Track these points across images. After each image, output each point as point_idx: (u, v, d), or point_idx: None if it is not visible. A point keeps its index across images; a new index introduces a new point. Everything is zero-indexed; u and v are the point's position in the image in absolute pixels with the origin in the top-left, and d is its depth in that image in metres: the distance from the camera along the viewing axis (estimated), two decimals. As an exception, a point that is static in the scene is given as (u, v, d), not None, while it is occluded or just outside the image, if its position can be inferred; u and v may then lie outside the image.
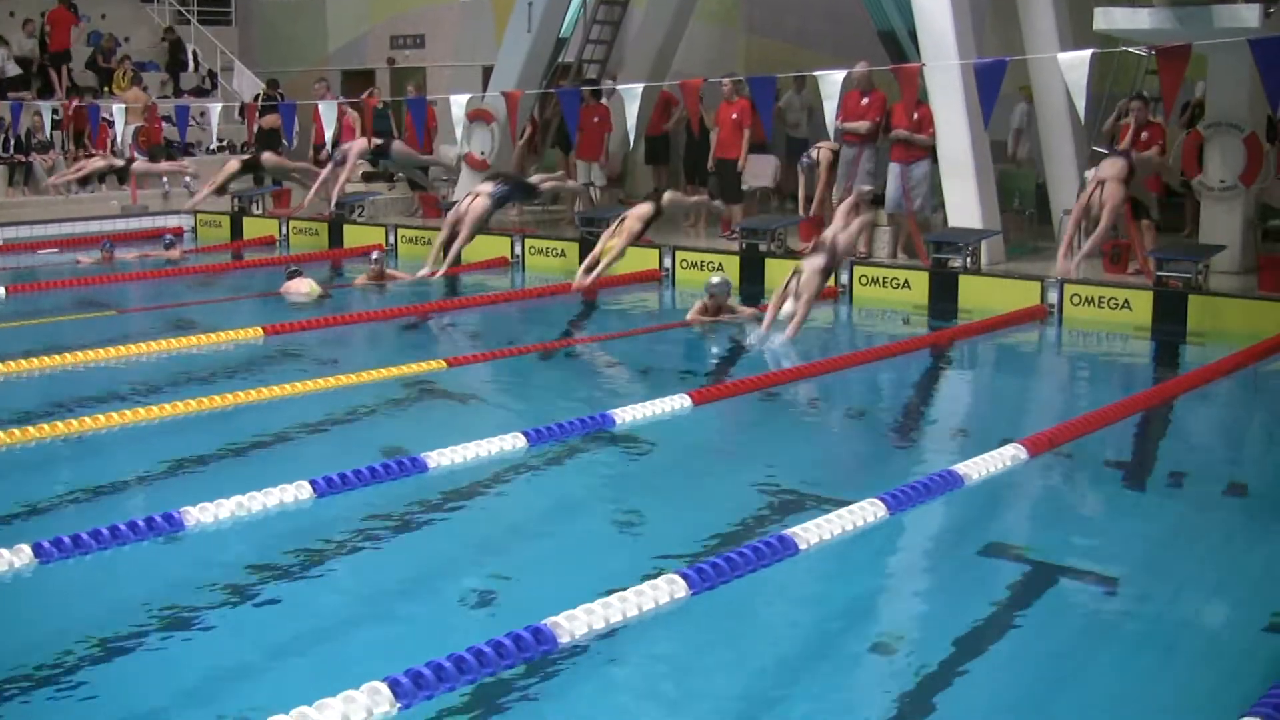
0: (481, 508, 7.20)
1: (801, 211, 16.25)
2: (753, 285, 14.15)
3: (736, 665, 5.30)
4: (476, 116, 18.28)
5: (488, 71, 20.14)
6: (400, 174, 20.33)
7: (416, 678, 4.52)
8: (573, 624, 5.01)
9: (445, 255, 13.96)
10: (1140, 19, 12.83)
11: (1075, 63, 11.67)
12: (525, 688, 4.92)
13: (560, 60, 19.83)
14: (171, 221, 18.82)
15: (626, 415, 8.44)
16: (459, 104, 16.47)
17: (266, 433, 8.44)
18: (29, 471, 7.57)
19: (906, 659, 5.34)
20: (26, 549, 5.76)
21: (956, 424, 9.90)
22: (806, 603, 6.01)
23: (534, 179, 15.56)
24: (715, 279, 12.24)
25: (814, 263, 11.04)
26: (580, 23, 20.01)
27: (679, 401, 8.78)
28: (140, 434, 8.12)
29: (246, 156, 17.55)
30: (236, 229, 19.16)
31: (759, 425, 9.38)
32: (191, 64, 24.85)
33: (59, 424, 7.95)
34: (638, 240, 13.43)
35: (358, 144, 17.43)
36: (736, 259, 14.88)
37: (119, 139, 20.52)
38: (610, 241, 13.10)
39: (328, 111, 17.62)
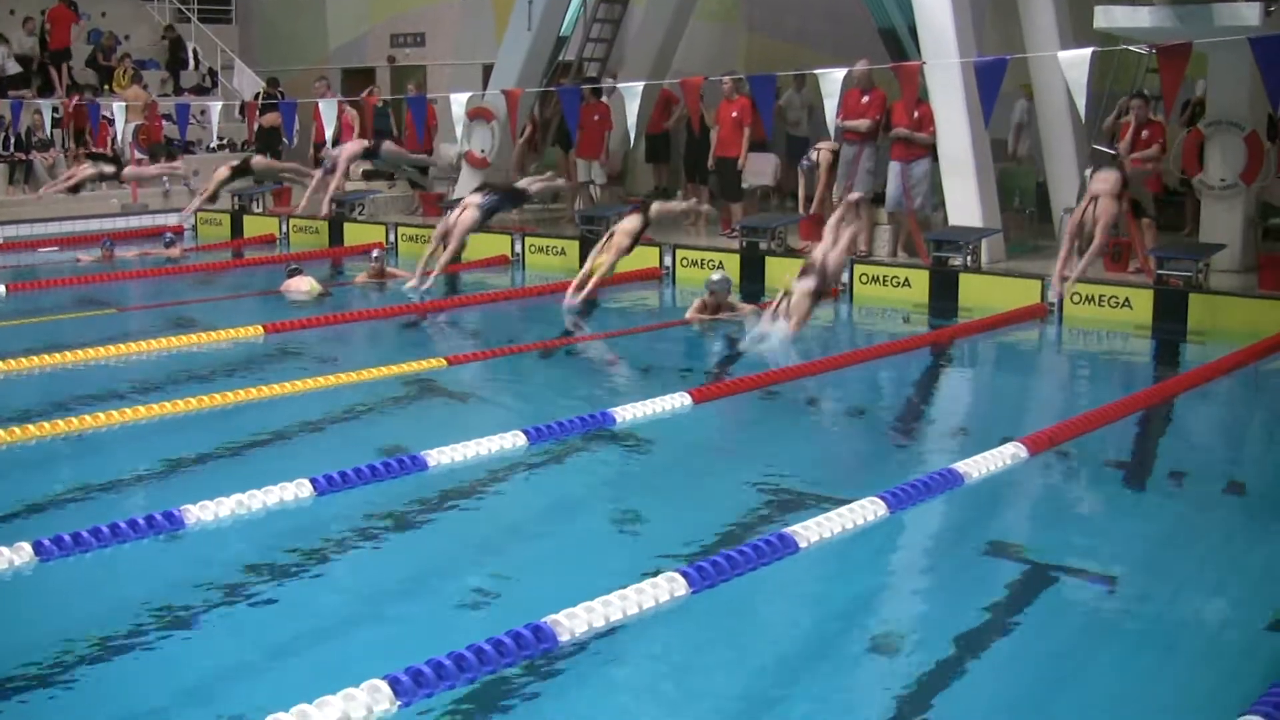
0: (481, 506, 7.20)
1: (802, 210, 16.25)
2: (753, 284, 14.15)
3: (736, 663, 5.30)
4: (477, 115, 18.28)
5: (488, 70, 20.13)
6: (397, 173, 20.29)
7: (417, 675, 4.52)
8: (573, 622, 5.01)
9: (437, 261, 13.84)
10: (1141, 17, 12.81)
11: (1076, 61, 11.67)
12: (525, 686, 4.92)
13: (560, 58, 19.83)
14: (172, 219, 18.81)
15: (626, 413, 8.44)
16: (459, 102, 16.46)
17: (267, 431, 8.45)
18: (29, 469, 7.57)
19: (906, 658, 5.34)
20: (27, 547, 5.76)
21: (957, 422, 9.90)
22: (806, 601, 6.01)
23: (522, 183, 15.43)
24: (715, 276, 12.24)
25: (804, 285, 10.88)
26: (580, 21, 20.01)
27: (679, 400, 8.77)
28: (140, 432, 8.13)
29: (235, 162, 17.36)
30: (237, 227, 19.17)
31: (759, 423, 9.38)
32: (192, 62, 24.83)
33: (59, 422, 7.95)
34: (628, 253, 13.35)
35: (346, 150, 17.20)
36: (737, 257, 14.88)
37: (119, 137, 20.52)
38: (599, 258, 13.02)
39: (328, 110, 17.61)
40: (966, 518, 7.16)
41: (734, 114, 16.41)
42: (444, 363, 10.18)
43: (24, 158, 20.16)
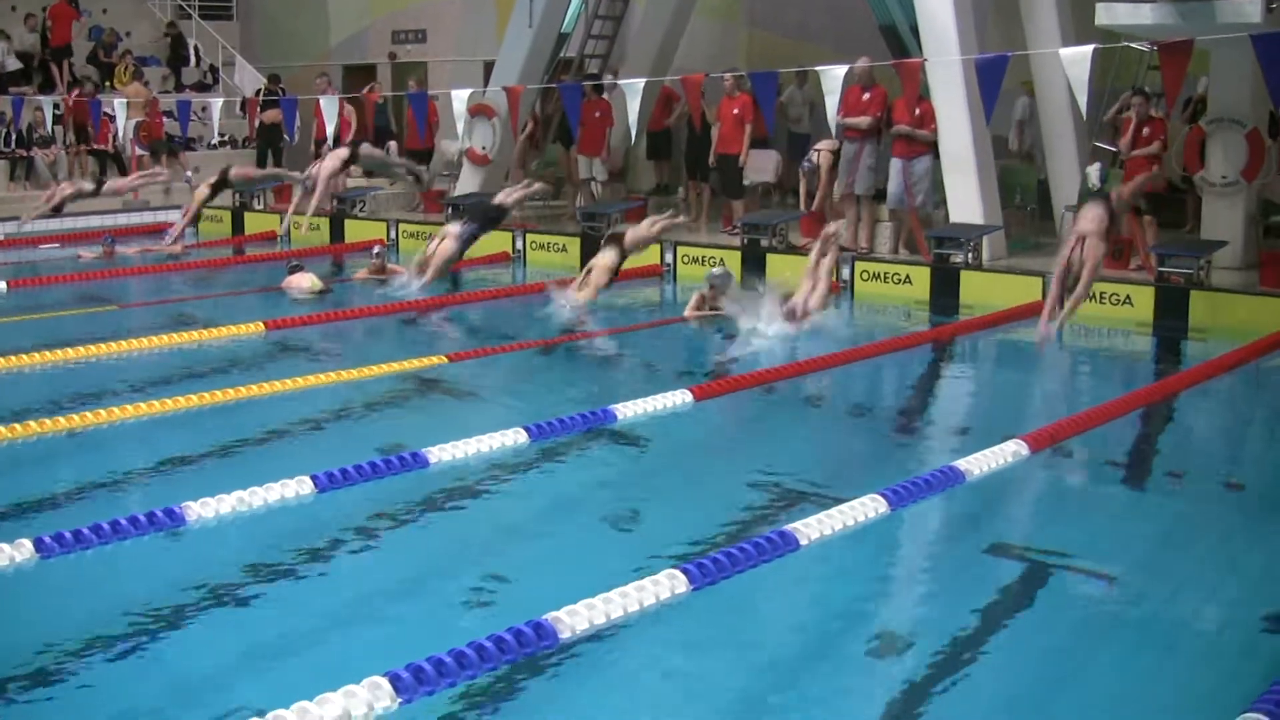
0: (482, 503, 7.19)
1: (803, 207, 16.24)
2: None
3: (737, 660, 5.30)
4: (478, 111, 18.28)
5: (489, 66, 20.12)
6: (378, 174, 20.19)
7: (417, 673, 4.52)
8: (574, 619, 5.01)
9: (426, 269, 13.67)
10: (1142, 14, 12.80)
11: (1077, 58, 11.67)
12: (526, 683, 4.92)
13: (562, 55, 19.82)
14: (173, 216, 18.79)
15: (628, 410, 8.44)
16: (460, 99, 16.46)
17: (268, 428, 8.45)
18: (31, 466, 7.57)
19: (906, 655, 5.34)
20: (28, 543, 5.77)
21: (958, 420, 9.89)
22: (807, 598, 6.01)
23: (500, 198, 15.11)
24: (717, 270, 12.25)
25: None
26: (582, 18, 19.99)
27: (680, 397, 8.77)
28: (141, 429, 8.13)
29: (213, 179, 17.17)
30: (238, 224, 19.17)
31: (760, 420, 9.38)
32: (193, 59, 24.83)
33: (60, 419, 7.96)
34: (608, 287, 12.96)
35: (325, 168, 16.48)
36: (738, 254, 14.87)
37: (120, 134, 20.52)
38: (579, 293, 12.56)
39: (329, 107, 17.60)
40: (967, 515, 7.16)
41: (735, 111, 16.40)
42: (445, 359, 10.18)
43: (25, 154, 20.15)
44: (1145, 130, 13.84)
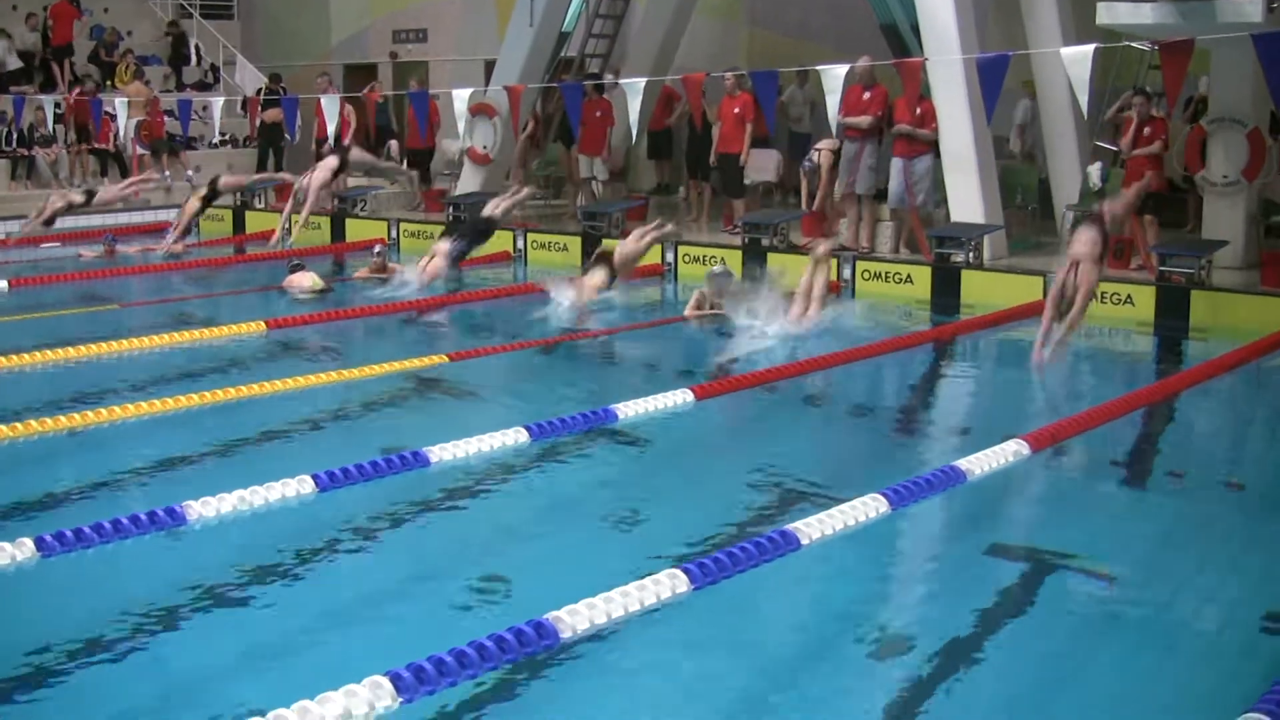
0: (483, 502, 7.20)
1: (804, 206, 16.24)
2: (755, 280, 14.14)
3: (738, 660, 5.30)
4: (479, 111, 18.28)
5: (490, 66, 20.13)
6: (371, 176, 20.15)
7: (418, 672, 4.52)
8: (575, 619, 5.01)
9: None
10: (1143, 13, 12.80)
11: (1078, 57, 11.67)
12: (527, 682, 4.92)
13: (562, 54, 19.83)
14: (175, 215, 18.76)
15: (629, 410, 8.43)
16: (461, 98, 16.46)
17: (269, 427, 8.45)
18: (32, 465, 7.57)
19: (907, 655, 5.34)
20: (29, 542, 5.76)
21: (959, 419, 9.90)
22: (808, 598, 6.01)
23: (488, 210, 15.03)
24: (717, 268, 12.27)
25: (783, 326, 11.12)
26: (582, 17, 20.00)
27: (681, 396, 8.77)
28: (142, 428, 8.13)
29: (203, 192, 17.00)
30: (239, 223, 19.17)
31: (761, 420, 9.38)
32: (194, 58, 24.83)
33: (61, 418, 7.96)
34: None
35: (315, 180, 16.23)
36: (739, 253, 14.87)
37: (121, 133, 20.53)
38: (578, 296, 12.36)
39: (329, 106, 17.60)
40: (968, 515, 7.16)
41: (736, 110, 16.41)
42: (446, 359, 10.18)
43: (26, 153, 20.15)
44: (1146, 130, 13.84)
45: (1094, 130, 15.65)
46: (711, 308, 12.06)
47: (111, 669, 5.05)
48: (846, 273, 14.25)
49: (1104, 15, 13.06)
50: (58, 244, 16.90)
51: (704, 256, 14.97)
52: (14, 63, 21.69)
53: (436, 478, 7.26)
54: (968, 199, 14.35)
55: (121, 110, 19.12)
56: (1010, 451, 7.51)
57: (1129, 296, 12.62)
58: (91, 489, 7.16)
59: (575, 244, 16.11)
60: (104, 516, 6.08)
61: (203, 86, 24.22)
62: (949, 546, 6.92)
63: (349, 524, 6.60)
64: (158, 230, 17.54)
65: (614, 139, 18.61)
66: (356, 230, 18.04)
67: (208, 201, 16.84)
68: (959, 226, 14.18)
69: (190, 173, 21.21)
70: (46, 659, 5.06)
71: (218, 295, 13.69)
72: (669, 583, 5.40)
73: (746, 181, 16.95)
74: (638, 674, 5.18)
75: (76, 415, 8.03)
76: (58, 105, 20.64)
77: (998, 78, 12.06)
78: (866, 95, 15.04)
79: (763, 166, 17.26)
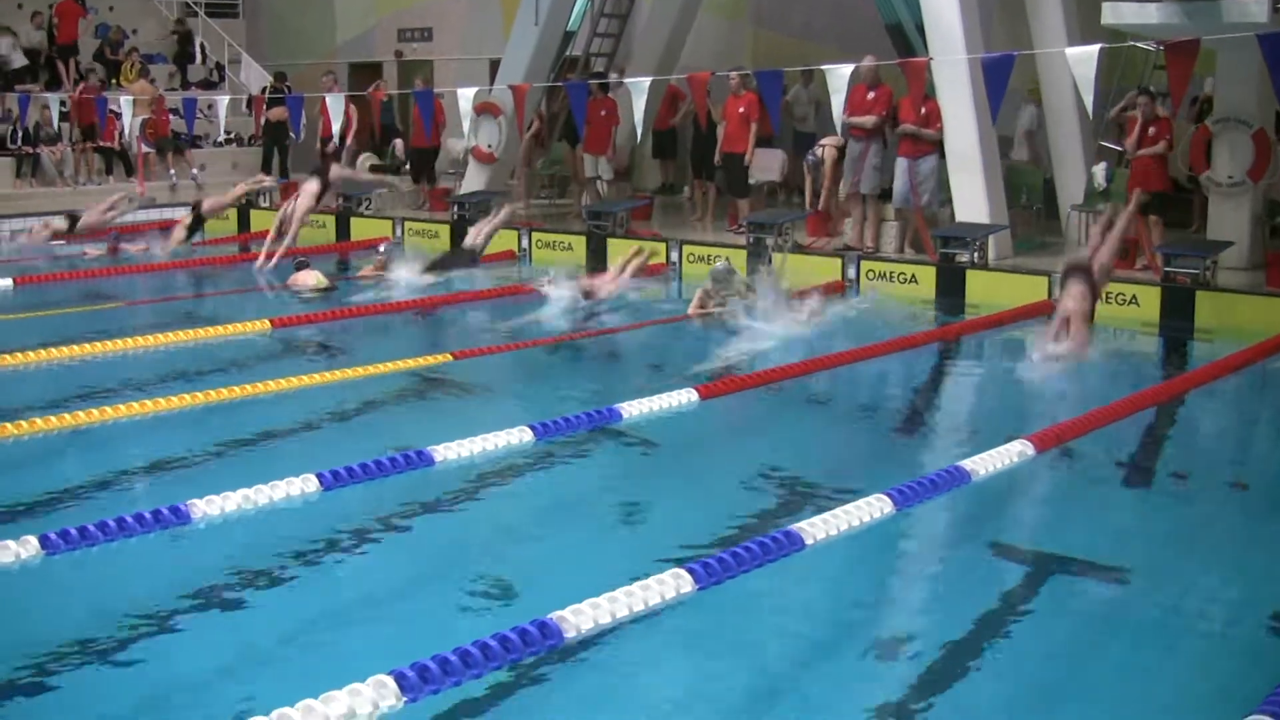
0: (488, 502, 7.20)
1: (809, 206, 16.24)
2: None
3: (742, 659, 5.30)
4: (484, 110, 18.28)
5: (495, 65, 20.14)
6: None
7: (422, 672, 4.52)
8: (579, 618, 5.00)
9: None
10: (1149, 14, 12.79)
11: (1083, 57, 11.64)
12: (531, 683, 4.92)
13: (567, 53, 19.83)
14: (179, 213, 18.77)
15: (633, 409, 8.42)
16: (466, 97, 16.45)
17: (273, 425, 8.46)
18: (36, 463, 7.58)
19: (911, 655, 5.34)
20: (33, 540, 5.76)
21: (963, 420, 9.89)
22: (812, 598, 6.00)
23: (469, 241, 15.06)
24: (719, 265, 12.27)
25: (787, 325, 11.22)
26: (587, 16, 20.00)
27: (685, 396, 8.76)
28: (147, 426, 8.13)
29: (188, 220, 16.44)
30: (244, 222, 19.17)
31: (765, 420, 9.37)
32: (199, 56, 24.85)
33: (66, 416, 7.96)
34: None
35: (300, 206, 15.82)
36: (743, 253, 14.86)
37: (126, 131, 20.54)
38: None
39: (335, 104, 17.61)
40: (973, 515, 7.15)
41: (741, 109, 16.40)
42: (450, 357, 10.19)
43: (31, 151, 20.17)
44: (1151, 130, 13.83)
45: (1099, 130, 15.64)
46: (716, 305, 12.05)
47: (115, 667, 5.06)
48: (852, 272, 14.25)
49: (1109, 15, 13.05)
50: (62, 242, 16.90)
51: (708, 256, 14.97)
52: (19, 61, 21.70)
53: (441, 477, 7.25)
54: (972, 199, 14.34)
55: (126, 109, 19.12)
56: (1015, 452, 7.50)
57: (1134, 297, 12.60)
58: (96, 487, 7.17)
59: (580, 243, 16.11)
60: (108, 515, 6.07)
61: (208, 85, 24.23)
62: (953, 547, 6.91)
63: (353, 523, 6.61)
64: (163, 228, 17.51)
65: (619, 138, 18.62)
66: (361, 229, 18.05)
67: (192, 229, 16.65)
68: (964, 226, 14.18)
69: (195, 171, 21.23)
70: (51, 656, 5.06)
71: (223, 294, 13.69)
72: (673, 583, 5.39)
73: (751, 181, 16.95)
74: (642, 674, 5.18)
75: (81, 414, 8.03)
76: (63, 104, 20.64)
77: (1002, 78, 12.04)
78: (871, 95, 15.03)
79: (767, 166, 17.26)
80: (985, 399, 10.62)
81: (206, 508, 6.28)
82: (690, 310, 12.18)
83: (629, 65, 19.31)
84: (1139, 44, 14.00)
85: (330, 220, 18.28)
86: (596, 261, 15.67)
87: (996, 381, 11.35)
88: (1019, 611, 5.88)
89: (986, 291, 13.35)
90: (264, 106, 20.17)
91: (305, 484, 6.66)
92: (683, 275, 15.16)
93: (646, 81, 14.85)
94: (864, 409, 9.93)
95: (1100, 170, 14.94)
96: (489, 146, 18.82)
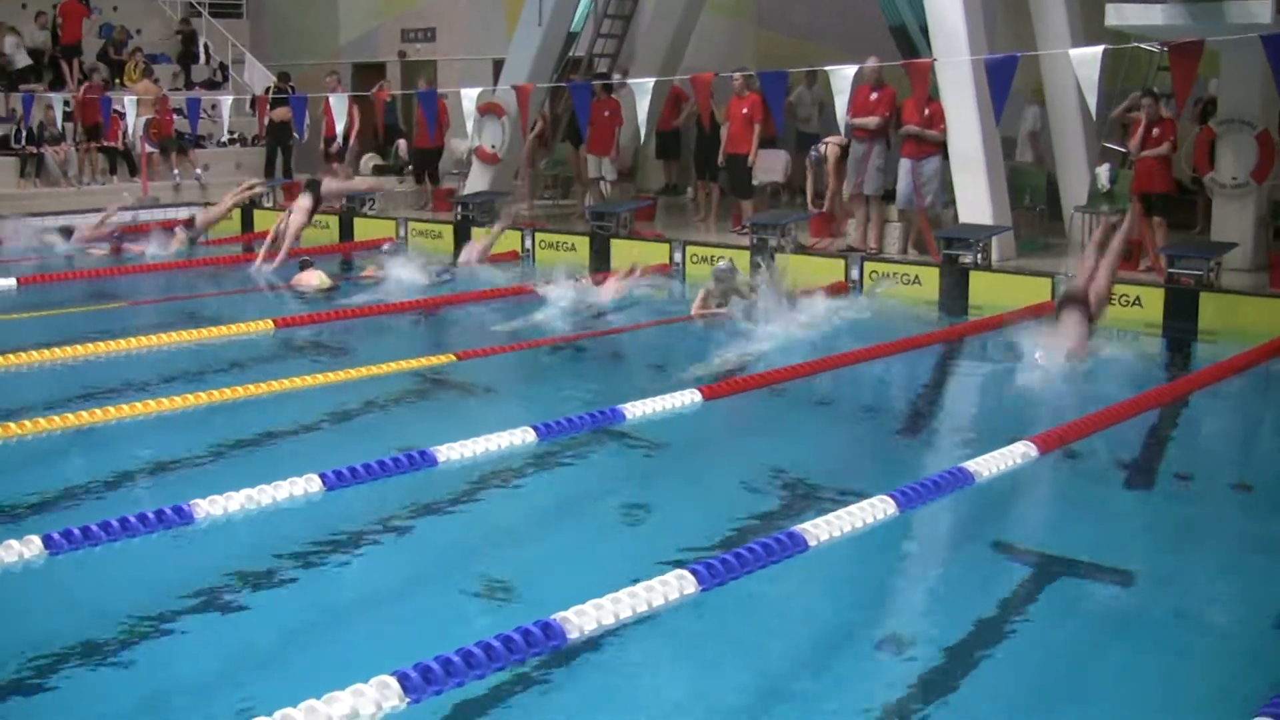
0: (491, 502, 7.20)
1: (811, 206, 16.23)
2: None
3: (745, 661, 5.30)
4: (487, 110, 18.29)
5: (499, 65, 20.15)
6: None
7: (425, 672, 4.52)
8: (582, 619, 5.00)
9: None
10: (1152, 15, 12.78)
11: (1087, 59, 11.63)
12: (535, 683, 4.92)
13: (571, 54, 19.84)
14: (183, 213, 18.80)
15: (636, 410, 8.42)
16: (470, 98, 16.45)
17: (276, 426, 8.46)
18: (39, 463, 7.58)
19: (914, 656, 5.34)
20: (36, 540, 5.76)
21: (966, 421, 9.89)
22: (815, 599, 6.00)
23: (463, 256, 15.55)
24: (721, 264, 12.28)
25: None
26: (591, 17, 20.01)
27: (689, 396, 8.76)
28: (150, 426, 8.13)
29: (183, 236, 16.77)
30: (247, 222, 19.19)
31: (768, 421, 9.37)
32: (203, 56, 24.87)
33: (69, 416, 7.96)
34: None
35: (294, 221, 15.61)
36: (747, 254, 14.85)
37: (130, 131, 20.55)
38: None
39: (338, 104, 17.62)
40: (976, 517, 7.15)
41: (744, 110, 16.40)
42: (453, 358, 10.19)
43: (35, 151, 20.19)
44: (1155, 131, 13.81)
45: (1103, 132, 15.63)
46: (718, 305, 12.05)
47: (117, 667, 5.06)
48: (855, 274, 14.24)
49: (1113, 16, 13.04)
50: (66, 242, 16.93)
51: (712, 256, 14.95)
52: (23, 61, 21.74)
53: (444, 477, 7.25)
54: (976, 200, 14.33)
55: (130, 108, 19.14)
56: (1018, 453, 7.49)
57: (1137, 298, 12.59)
58: (99, 487, 7.17)
59: (584, 244, 16.11)
60: (112, 515, 6.06)
61: (211, 85, 24.27)
62: (956, 549, 6.91)
63: (356, 524, 6.61)
64: (166, 228, 17.52)
65: (622, 139, 18.62)
66: (365, 229, 18.05)
67: (191, 243, 16.67)
68: (967, 227, 14.17)
69: (199, 171, 21.24)
70: (53, 656, 5.07)
71: (226, 294, 13.69)
72: (676, 584, 5.39)
73: (755, 182, 16.95)
74: (645, 675, 5.18)
75: (84, 413, 8.03)
76: (67, 103, 20.68)
77: (1006, 79, 12.03)
78: (874, 96, 15.03)
79: (771, 167, 17.26)
80: (988, 400, 10.61)
81: (209, 508, 6.27)
82: (693, 310, 12.17)
83: (632, 66, 19.32)
84: (1143, 45, 13.99)
85: (334, 221, 18.29)
86: (600, 262, 15.69)
87: (999, 383, 11.33)
88: (1021, 613, 5.88)
89: (990, 293, 13.34)
90: (267, 107, 20.18)
91: (308, 484, 6.66)
92: (686, 276, 15.16)
93: (650, 82, 14.85)
94: (867, 410, 9.92)
95: (1104, 171, 14.92)
96: (492, 147, 18.82)
